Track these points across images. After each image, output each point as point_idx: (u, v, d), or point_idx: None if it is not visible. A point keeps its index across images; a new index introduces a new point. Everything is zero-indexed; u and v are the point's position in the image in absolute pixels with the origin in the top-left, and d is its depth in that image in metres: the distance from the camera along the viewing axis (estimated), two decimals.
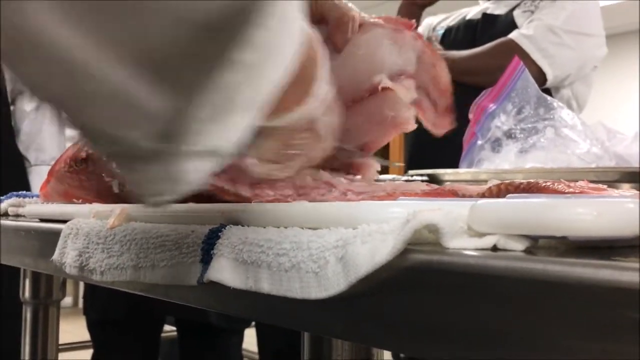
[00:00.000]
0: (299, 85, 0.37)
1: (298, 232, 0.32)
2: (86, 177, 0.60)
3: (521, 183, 0.50)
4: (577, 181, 0.50)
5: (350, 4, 0.56)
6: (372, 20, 0.55)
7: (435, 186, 0.55)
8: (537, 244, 0.27)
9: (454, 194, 0.54)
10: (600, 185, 0.49)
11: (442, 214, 0.27)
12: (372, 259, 0.27)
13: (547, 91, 1.47)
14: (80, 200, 0.61)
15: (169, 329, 2.08)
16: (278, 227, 0.34)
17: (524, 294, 0.23)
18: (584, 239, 0.25)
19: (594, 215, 0.24)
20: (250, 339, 2.16)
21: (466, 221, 0.27)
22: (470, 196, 0.52)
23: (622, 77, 4.86)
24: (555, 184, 0.48)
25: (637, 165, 0.75)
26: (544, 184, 0.48)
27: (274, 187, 0.45)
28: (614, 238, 0.25)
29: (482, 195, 0.52)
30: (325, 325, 0.31)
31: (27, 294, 0.77)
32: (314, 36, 0.38)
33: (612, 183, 0.73)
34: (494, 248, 0.26)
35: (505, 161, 0.80)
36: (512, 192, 0.50)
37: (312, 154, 0.47)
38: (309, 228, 0.33)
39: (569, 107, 1.53)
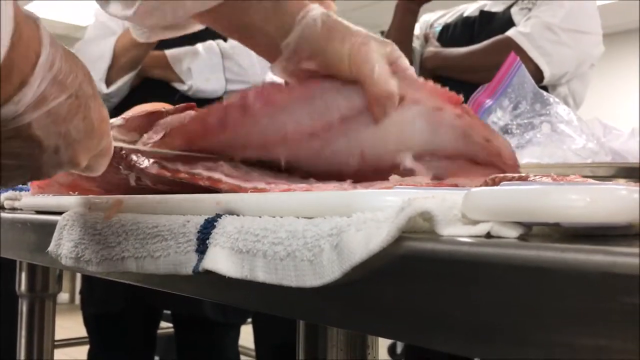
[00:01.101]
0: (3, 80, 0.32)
1: (293, 221, 0.32)
2: None
3: (513, 176, 0.51)
4: (568, 175, 0.51)
5: (389, 77, 0.54)
6: (414, 94, 0.54)
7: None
8: (531, 231, 0.27)
9: (455, 186, 0.54)
10: (590, 180, 0.50)
11: (437, 201, 0.27)
12: (367, 247, 0.27)
13: (544, 89, 1.47)
14: (77, 192, 0.61)
15: (166, 326, 2.08)
16: (274, 217, 0.34)
17: (516, 281, 0.23)
18: (577, 226, 0.25)
19: (586, 202, 0.24)
20: (246, 335, 2.16)
21: (460, 209, 0.28)
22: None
23: (620, 76, 4.88)
24: (543, 178, 0.48)
25: (633, 161, 0.75)
26: (534, 178, 0.48)
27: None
28: (607, 225, 0.25)
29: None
30: (320, 313, 0.31)
31: (23, 287, 0.77)
32: (44, 34, 0.35)
33: (608, 178, 0.73)
34: (488, 235, 0.27)
35: None
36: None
37: (37, 166, 0.38)
38: (305, 217, 0.33)
39: (566, 104, 1.53)
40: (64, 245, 0.48)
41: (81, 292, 1.71)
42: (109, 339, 1.57)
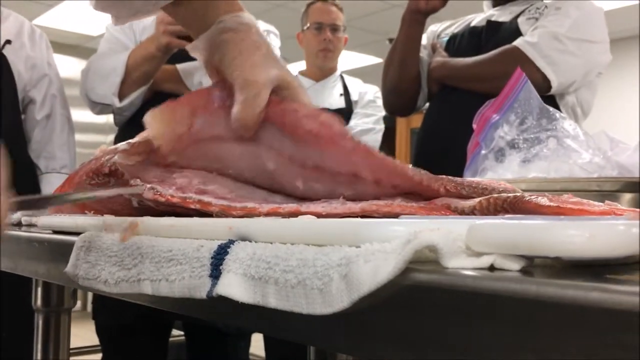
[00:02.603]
0: None
1: (304, 249, 0.33)
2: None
3: (508, 197, 0.52)
4: (562, 195, 0.52)
5: (252, 107, 0.58)
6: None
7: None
8: (533, 263, 0.28)
9: (447, 208, 0.55)
10: (580, 200, 0.51)
11: (442, 234, 0.28)
12: (375, 278, 0.28)
13: (552, 98, 1.47)
14: (92, 212, 0.62)
15: (178, 333, 2.10)
16: (285, 244, 0.35)
17: (517, 314, 0.24)
18: (577, 260, 0.26)
19: (585, 237, 0.25)
20: (257, 343, 2.17)
21: (464, 241, 0.29)
22: (463, 210, 0.54)
23: (622, 83, 4.85)
24: (539, 198, 0.49)
25: (639, 175, 0.76)
26: (527, 198, 0.49)
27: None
28: (607, 259, 0.26)
29: (474, 209, 0.53)
30: (329, 339, 0.32)
31: (39, 302, 0.79)
32: None
33: (614, 193, 0.74)
34: (491, 267, 0.28)
35: (508, 171, 0.81)
36: (500, 205, 0.52)
37: None
38: (315, 244, 0.34)
39: (574, 113, 1.53)
40: (81, 266, 0.50)
41: (93, 303, 1.73)
42: (121, 349, 1.59)
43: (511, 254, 0.27)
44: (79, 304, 4.06)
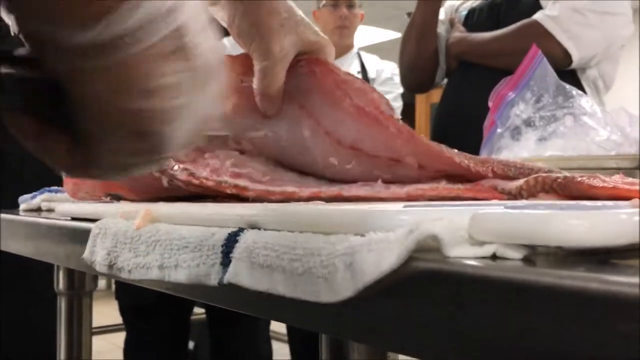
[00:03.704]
0: None
1: (310, 237, 0.34)
2: None
3: (558, 177, 0.51)
4: (612, 175, 0.51)
5: (274, 79, 0.56)
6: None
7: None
8: (536, 251, 0.28)
9: (494, 189, 0.55)
10: (634, 180, 0.50)
11: (444, 224, 0.28)
12: (378, 268, 0.29)
13: (573, 72, 1.45)
14: (109, 198, 0.63)
15: (200, 311, 2.13)
16: (292, 232, 0.36)
17: (518, 303, 0.25)
18: (579, 249, 0.26)
19: (586, 227, 0.25)
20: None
21: (467, 230, 0.29)
22: (510, 191, 0.53)
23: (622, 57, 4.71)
24: (591, 179, 0.48)
25: None
26: (579, 179, 0.49)
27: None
28: (608, 247, 0.26)
29: (521, 189, 0.53)
30: (337, 327, 0.33)
31: (61, 285, 0.81)
32: None
33: (631, 170, 0.73)
34: (494, 256, 0.28)
35: (524, 149, 0.80)
36: (549, 185, 0.51)
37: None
38: (322, 232, 0.34)
39: (595, 87, 1.51)
40: (98, 252, 0.51)
41: (116, 283, 1.76)
42: (144, 329, 1.62)
43: (513, 243, 0.27)
44: (103, 283, 4.13)
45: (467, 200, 0.52)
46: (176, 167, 0.58)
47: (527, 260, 0.27)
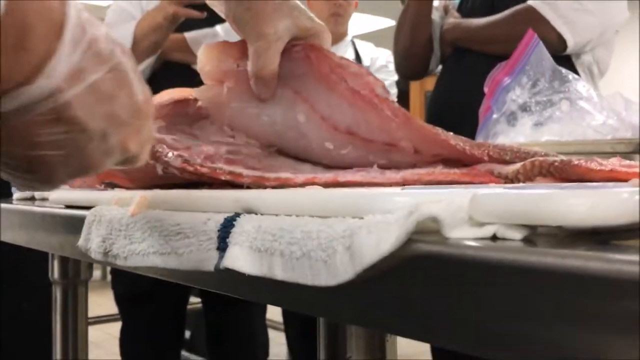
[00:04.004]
0: (19, 55, 0.29)
1: (308, 221, 0.33)
2: None
3: (555, 161, 0.51)
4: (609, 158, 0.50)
5: (270, 58, 0.57)
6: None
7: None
8: (536, 232, 0.28)
9: (490, 173, 0.54)
10: (632, 163, 0.50)
11: (443, 205, 0.28)
12: (377, 250, 0.28)
13: (568, 57, 1.45)
14: (103, 186, 0.63)
15: (196, 301, 2.13)
16: (290, 216, 0.36)
17: (519, 284, 0.24)
18: (579, 228, 0.26)
19: (587, 206, 0.25)
20: (274, 309, 2.20)
21: (467, 211, 0.29)
22: (506, 175, 0.53)
23: (619, 42, 4.71)
24: (589, 162, 0.48)
25: None
26: (577, 162, 0.48)
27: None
28: (609, 227, 0.26)
29: (517, 174, 0.53)
30: (336, 310, 0.33)
31: (56, 274, 0.80)
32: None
33: (628, 154, 0.73)
34: (494, 237, 0.28)
35: (520, 134, 0.80)
36: (546, 169, 0.51)
37: (84, 156, 0.34)
38: (319, 216, 0.34)
39: (590, 72, 1.50)
40: (93, 240, 0.50)
41: (112, 272, 1.75)
42: (140, 317, 1.62)
43: (513, 223, 0.27)
44: (98, 273, 4.13)
45: (463, 184, 0.51)
46: (170, 154, 0.58)
47: (528, 240, 0.27)
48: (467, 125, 1.10)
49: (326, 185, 0.52)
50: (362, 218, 0.31)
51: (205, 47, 0.61)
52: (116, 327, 1.80)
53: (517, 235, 0.27)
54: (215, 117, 0.65)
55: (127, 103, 0.35)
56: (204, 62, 0.62)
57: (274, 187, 0.52)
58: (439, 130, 0.55)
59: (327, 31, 0.60)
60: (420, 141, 0.55)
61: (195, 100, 0.66)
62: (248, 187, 0.55)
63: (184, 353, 2.27)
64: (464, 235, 0.28)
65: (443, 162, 0.57)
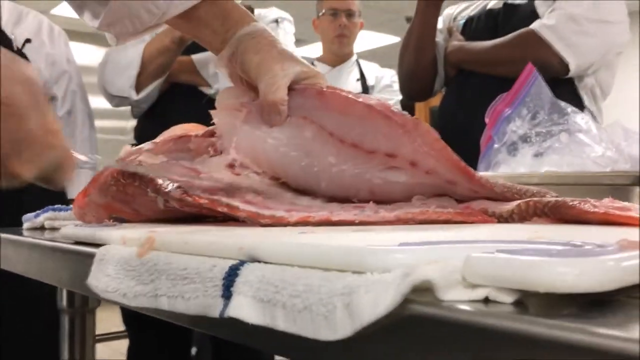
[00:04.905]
0: None
1: (310, 274, 0.35)
2: (132, 191, 0.64)
3: (549, 201, 0.52)
4: (602, 199, 0.52)
5: (278, 90, 0.63)
6: (428, 161, 0.59)
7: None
8: (527, 294, 0.29)
9: (484, 212, 0.56)
10: (625, 205, 0.51)
11: (438, 268, 0.29)
12: (375, 309, 0.30)
13: (571, 80, 1.46)
14: (112, 221, 0.64)
15: None
16: (292, 266, 0.37)
17: (509, 349, 0.26)
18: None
19: (575, 274, 0.26)
20: None
21: (461, 272, 0.30)
22: (501, 214, 0.55)
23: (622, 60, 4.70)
24: (582, 204, 0.49)
25: None
26: (570, 204, 0.50)
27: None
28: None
29: (512, 213, 0.54)
30: None
31: (64, 303, 0.82)
32: None
33: (626, 186, 0.74)
34: (486, 299, 0.29)
35: (521, 164, 0.81)
36: (540, 210, 0.52)
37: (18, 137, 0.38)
38: (320, 268, 0.35)
39: (593, 95, 1.52)
40: (101, 279, 0.52)
41: None
42: (146, 337, 1.63)
43: (505, 287, 0.28)
44: None
45: (457, 224, 0.53)
46: (170, 186, 0.59)
47: (519, 303, 0.28)
48: (470, 148, 1.11)
49: (319, 223, 0.53)
50: (361, 273, 0.32)
51: (225, 89, 0.68)
52: (123, 345, 1.81)
53: (508, 298, 0.28)
54: (224, 139, 0.67)
55: (13, 135, 0.37)
56: (223, 98, 0.67)
57: (267, 225, 0.54)
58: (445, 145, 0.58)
59: (323, 77, 0.66)
60: (423, 150, 0.57)
61: (196, 137, 0.68)
62: (250, 223, 0.56)
63: None
64: (457, 297, 0.29)
65: (437, 195, 0.59)
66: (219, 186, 0.61)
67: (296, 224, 0.53)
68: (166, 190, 0.60)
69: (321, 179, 0.62)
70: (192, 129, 0.72)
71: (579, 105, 1.40)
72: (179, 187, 0.59)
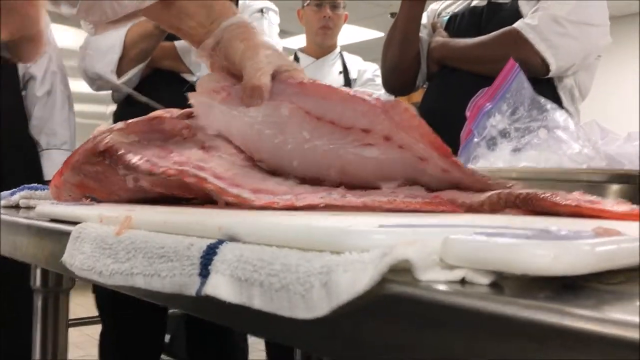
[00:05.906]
0: None
1: (288, 253, 0.35)
2: (102, 169, 0.64)
3: (520, 193, 0.52)
4: (572, 192, 0.53)
5: (263, 75, 0.65)
6: (401, 137, 0.59)
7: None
8: (503, 275, 0.30)
9: (453, 202, 0.56)
10: (594, 199, 0.52)
11: (417, 248, 0.29)
12: (353, 288, 0.30)
13: (550, 80, 1.48)
14: (89, 200, 0.64)
15: None
16: (270, 246, 0.37)
17: (482, 328, 0.26)
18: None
19: (551, 257, 0.27)
20: None
21: (439, 254, 0.30)
22: (470, 205, 0.55)
23: (620, 61, 4.79)
24: (554, 197, 0.50)
25: (627, 167, 0.77)
26: (542, 196, 0.50)
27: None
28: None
29: (482, 205, 0.54)
30: (312, 342, 0.34)
31: (37, 283, 0.81)
32: None
33: (601, 184, 0.75)
34: (463, 280, 0.29)
35: (500, 159, 0.82)
36: (512, 202, 0.53)
37: None
38: (298, 248, 0.35)
39: (572, 96, 1.53)
40: (77, 256, 0.51)
41: None
42: (120, 322, 1.62)
43: (482, 269, 0.29)
44: None
45: (425, 213, 0.53)
46: (137, 159, 0.59)
47: (495, 284, 0.29)
48: (451, 143, 1.12)
49: (284, 208, 0.53)
50: (339, 253, 0.32)
51: (205, 75, 0.70)
52: (96, 329, 1.79)
53: (485, 280, 0.28)
54: (200, 118, 0.68)
55: None
56: (203, 83, 0.68)
57: (229, 204, 0.55)
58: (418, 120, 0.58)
59: (304, 72, 0.68)
60: (397, 127, 0.58)
61: (171, 118, 0.67)
62: (233, 204, 0.56)
63: (163, 357, 2.27)
64: (435, 278, 0.29)
65: (408, 184, 0.59)
66: (189, 162, 0.61)
67: (261, 208, 0.54)
68: (135, 164, 0.59)
69: (294, 157, 0.63)
70: (162, 112, 0.71)
71: (558, 105, 1.42)
72: (147, 160, 0.59)
